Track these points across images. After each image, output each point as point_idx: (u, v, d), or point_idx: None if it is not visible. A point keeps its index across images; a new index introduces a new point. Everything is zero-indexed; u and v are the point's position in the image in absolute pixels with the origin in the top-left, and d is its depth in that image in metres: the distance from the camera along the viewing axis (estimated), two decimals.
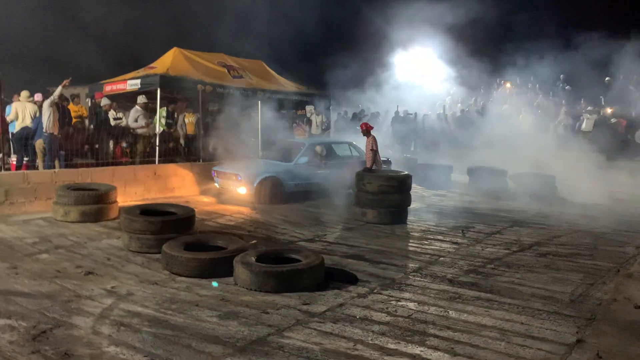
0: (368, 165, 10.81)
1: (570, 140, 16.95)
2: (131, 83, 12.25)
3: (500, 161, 14.10)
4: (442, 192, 13.49)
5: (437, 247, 7.64)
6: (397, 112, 19.40)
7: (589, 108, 17.70)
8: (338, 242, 7.84)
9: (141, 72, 12.74)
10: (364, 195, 9.36)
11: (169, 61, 12.92)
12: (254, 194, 10.62)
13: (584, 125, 17.03)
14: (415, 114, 19.23)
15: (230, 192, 10.92)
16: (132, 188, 10.54)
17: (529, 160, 14.28)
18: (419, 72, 22.68)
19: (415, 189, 13.47)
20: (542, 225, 9.39)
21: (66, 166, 10.34)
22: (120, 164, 11.31)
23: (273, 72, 15.11)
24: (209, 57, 13.78)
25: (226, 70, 13.51)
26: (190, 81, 12.15)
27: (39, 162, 10.02)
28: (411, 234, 8.65)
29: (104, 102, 11.60)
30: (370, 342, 4.27)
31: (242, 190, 10.65)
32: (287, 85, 14.93)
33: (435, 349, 4.18)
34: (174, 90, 12.75)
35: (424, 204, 11.76)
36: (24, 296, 5.05)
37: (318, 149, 12.24)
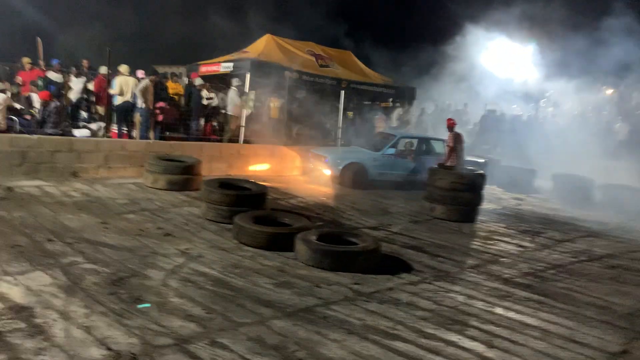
0: (445, 161, 10.86)
1: None
2: (224, 66, 13.03)
3: (590, 170, 13.48)
4: (522, 196, 13.14)
5: (501, 248, 7.61)
6: (487, 111, 18.99)
7: None
8: (401, 232, 8.01)
9: (235, 55, 13.48)
10: (435, 190, 9.42)
11: (261, 47, 13.57)
12: (339, 176, 11.36)
13: None
14: (504, 113, 18.69)
15: (318, 172, 11.74)
16: (217, 164, 11.27)
17: (621, 172, 13.55)
18: (516, 70, 21.91)
19: (494, 191, 13.30)
20: (620, 238, 8.99)
21: (160, 138, 11.27)
22: (210, 140, 12.11)
23: (360, 63, 15.37)
24: (300, 46, 14.27)
25: (314, 59, 13.95)
26: (278, 67, 12.72)
27: (136, 132, 10.99)
28: (478, 232, 8.62)
29: (198, 82, 12.41)
30: (411, 324, 4.48)
31: (327, 172, 11.47)
32: (373, 77, 15.14)
33: (473, 339, 4.31)
34: (262, 75, 13.36)
35: (500, 205, 11.56)
36: (110, 247, 5.73)
37: (407, 142, 12.48)
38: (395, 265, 6.19)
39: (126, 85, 11.22)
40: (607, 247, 8.17)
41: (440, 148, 12.62)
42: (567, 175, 13.45)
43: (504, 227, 9.13)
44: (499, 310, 5.01)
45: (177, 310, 4.30)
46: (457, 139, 11.20)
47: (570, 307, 5.29)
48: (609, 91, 21.15)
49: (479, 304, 5.14)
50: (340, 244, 6.11)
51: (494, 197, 12.67)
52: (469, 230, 8.73)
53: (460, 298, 5.28)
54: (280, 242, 6.30)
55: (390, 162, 11.92)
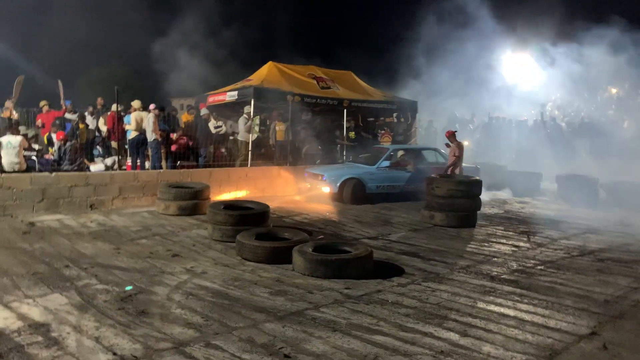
0: (448, 169, 11.39)
1: None
2: (230, 94, 13.68)
3: (597, 169, 13.63)
4: (527, 200, 13.38)
5: (495, 249, 7.91)
6: (490, 118, 19.29)
7: None
8: (399, 241, 8.36)
9: (239, 84, 14.13)
10: (433, 198, 9.77)
11: (264, 74, 14.21)
12: (337, 193, 11.68)
13: None
14: (510, 119, 18.96)
15: (317, 191, 12.05)
16: (226, 187, 11.83)
17: (630, 168, 13.68)
18: (518, 76, 22.20)
19: (500, 196, 13.61)
20: (618, 233, 9.19)
21: (172, 167, 11.89)
22: (219, 166, 12.69)
23: (361, 82, 15.88)
24: (301, 70, 14.88)
25: (315, 82, 14.52)
26: (281, 92, 13.32)
27: (148, 163, 11.61)
28: (475, 236, 8.92)
29: (203, 112, 13.06)
30: (393, 320, 4.85)
31: (326, 189, 11.78)
32: (374, 94, 15.62)
33: (449, 330, 4.66)
34: (267, 101, 13.96)
35: (502, 210, 11.82)
36: (121, 270, 6.24)
37: (401, 153, 12.89)
38: (388, 270, 6.55)
39: (141, 119, 11.87)
40: (601, 242, 8.40)
41: (432, 157, 13.05)
42: (570, 176, 13.64)
43: (502, 230, 9.42)
44: (480, 305, 5.34)
45: (178, 319, 4.76)
46: (457, 148, 11.80)
47: (550, 297, 5.58)
48: (614, 90, 21.26)
49: (462, 300, 5.48)
50: (335, 254, 6.51)
51: (499, 202, 12.96)
52: (467, 235, 9.03)
53: (445, 295, 5.62)
54: (280, 256, 6.72)
55: (386, 174, 12.27)
